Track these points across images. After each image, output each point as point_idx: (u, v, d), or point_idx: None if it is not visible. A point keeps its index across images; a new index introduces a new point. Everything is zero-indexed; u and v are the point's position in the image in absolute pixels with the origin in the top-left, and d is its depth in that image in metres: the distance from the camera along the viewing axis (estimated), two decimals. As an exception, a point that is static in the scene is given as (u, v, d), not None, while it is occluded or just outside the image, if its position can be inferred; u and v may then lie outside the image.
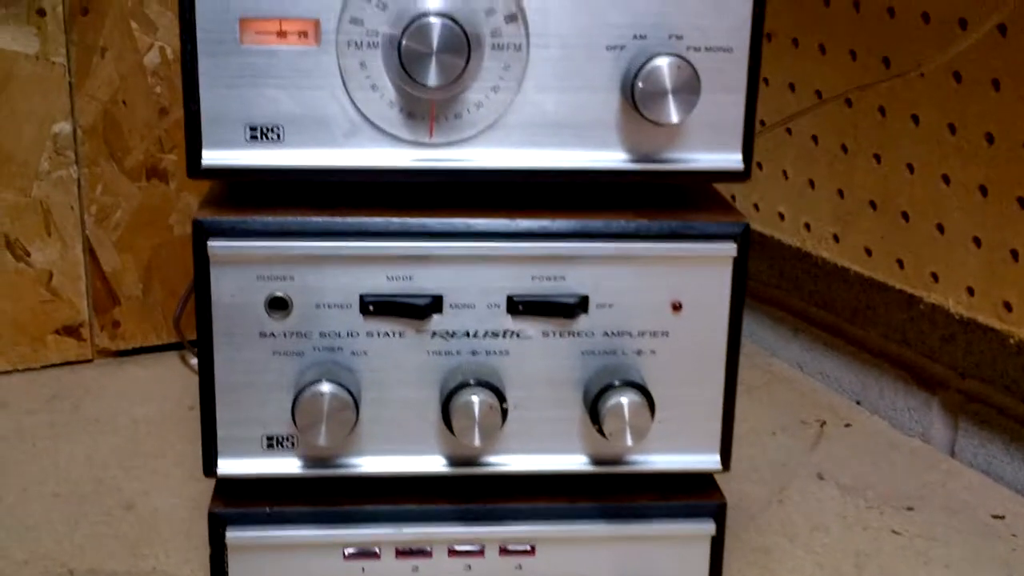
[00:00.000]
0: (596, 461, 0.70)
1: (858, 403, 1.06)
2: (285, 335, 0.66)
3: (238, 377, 0.67)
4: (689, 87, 0.63)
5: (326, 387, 0.64)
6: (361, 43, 0.63)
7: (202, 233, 0.65)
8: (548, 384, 0.68)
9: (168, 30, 1.02)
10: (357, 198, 0.68)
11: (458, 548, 0.70)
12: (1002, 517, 0.86)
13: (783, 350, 1.15)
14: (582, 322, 0.67)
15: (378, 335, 0.67)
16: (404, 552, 0.70)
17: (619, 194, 0.70)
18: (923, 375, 1.00)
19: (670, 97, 0.63)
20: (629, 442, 0.66)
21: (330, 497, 0.70)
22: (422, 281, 0.66)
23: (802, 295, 1.12)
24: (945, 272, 0.93)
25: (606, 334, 0.68)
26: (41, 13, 0.99)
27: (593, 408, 0.66)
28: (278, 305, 0.66)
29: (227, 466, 0.68)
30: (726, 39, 0.65)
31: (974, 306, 0.91)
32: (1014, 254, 0.87)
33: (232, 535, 0.69)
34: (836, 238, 1.04)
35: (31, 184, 1.02)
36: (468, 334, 0.67)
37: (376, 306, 0.66)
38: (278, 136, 0.65)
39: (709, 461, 0.70)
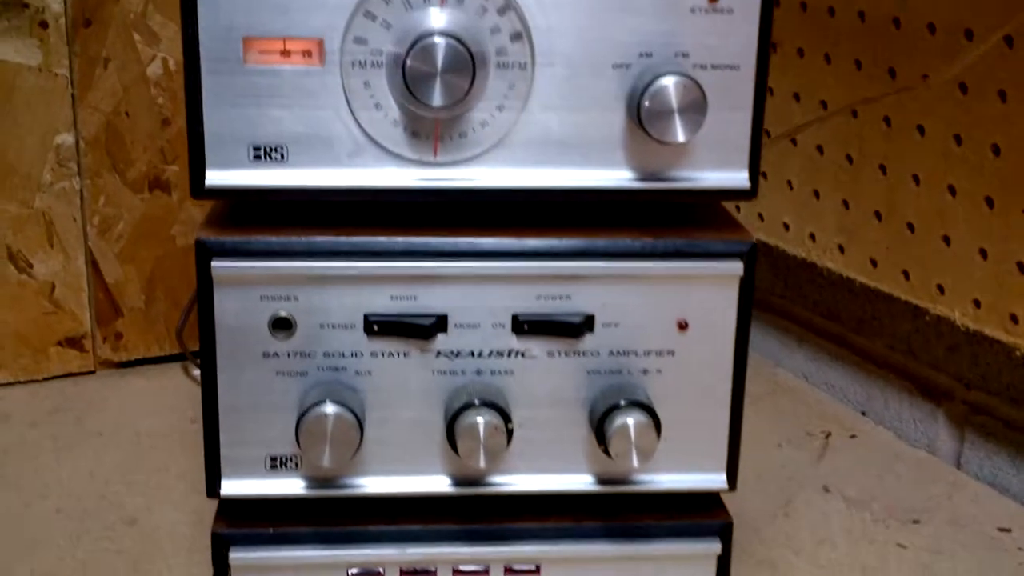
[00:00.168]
0: (601, 481, 0.69)
1: (863, 414, 1.05)
2: (289, 355, 0.66)
3: (242, 398, 0.66)
4: (695, 107, 0.63)
5: (330, 408, 0.64)
6: (365, 63, 0.63)
7: (206, 253, 0.64)
8: (553, 404, 0.68)
9: (171, 41, 1.02)
10: (361, 218, 0.67)
11: (463, 568, 0.70)
12: (1008, 530, 0.85)
13: (788, 360, 1.15)
14: (588, 341, 0.67)
15: (382, 355, 0.66)
16: (409, 572, 0.69)
17: (624, 212, 0.70)
18: (929, 386, 0.99)
19: (676, 117, 0.63)
20: (635, 463, 0.66)
21: (334, 517, 0.69)
22: (427, 301, 0.66)
23: (807, 305, 1.12)
24: (951, 284, 0.93)
25: (612, 353, 0.67)
26: (43, 25, 0.98)
27: (599, 428, 0.66)
28: (282, 325, 0.65)
29: (231, 487, 0.68)
30: (733, 57, 0.64)
31: (980, 318, 0.91)
32: (1020, 266, 0.87)
33: (236, 556, 0.68)
34: (841, 249, 1.04)
35: (33, 196, 1.01)
36: (473, 354, 0.67)
37: (380, 326, 0.66)
38: (282, 156, 0.64)
39: (716, 481, 0.70)
